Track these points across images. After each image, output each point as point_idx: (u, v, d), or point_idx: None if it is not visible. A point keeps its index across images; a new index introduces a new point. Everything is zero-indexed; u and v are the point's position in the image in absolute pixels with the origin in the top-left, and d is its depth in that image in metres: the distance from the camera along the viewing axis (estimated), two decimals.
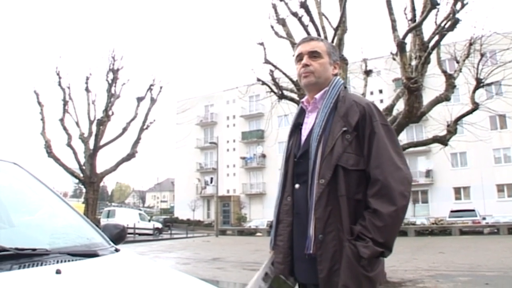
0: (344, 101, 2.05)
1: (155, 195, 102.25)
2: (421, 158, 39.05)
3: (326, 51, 2.18)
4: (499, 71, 10.36)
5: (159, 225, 37.58)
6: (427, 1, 7.38)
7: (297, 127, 2.19)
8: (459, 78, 9.64)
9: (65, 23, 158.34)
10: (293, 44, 9.09)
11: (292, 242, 2.03)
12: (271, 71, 10.28)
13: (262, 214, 43.92)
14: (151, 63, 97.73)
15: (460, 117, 10.10)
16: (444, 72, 9.43)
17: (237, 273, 10.63)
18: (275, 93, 10.26)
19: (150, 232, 34.07)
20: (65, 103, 18.45)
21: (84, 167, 17.94)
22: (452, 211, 31.15)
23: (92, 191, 17.74)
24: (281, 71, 10.07)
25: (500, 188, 36.32)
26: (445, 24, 7.59)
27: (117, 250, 2.06)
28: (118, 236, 2.29)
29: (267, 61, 10.20)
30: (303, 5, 8.44)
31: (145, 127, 19.33)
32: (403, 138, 22.15)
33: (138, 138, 19.10)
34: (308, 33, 8.56)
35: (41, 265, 1.54)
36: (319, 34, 8.54)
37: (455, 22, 7.32)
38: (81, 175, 18.05)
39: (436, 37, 7.83)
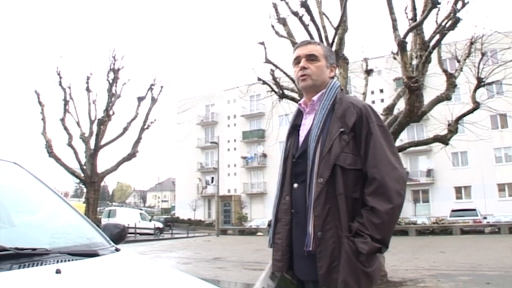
0: (341, 103, 2.11)
1: (156, 195, 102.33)
2: (422, 157, 39.07)
3: (323, 54, 2.24)
4: (500, 70, 10.34)
5: (160, 225, 37.57)
6: (428, 0, 7.37)
7: (295, 128, 2.25)
8: (460, 77, 9.63)
9: (66, 22, 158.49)
10: (294, 44, 9.08)
11: (290, 240, 2.09)
12: (272, 70, 10.27)
13: (263, 213, 43.91)
14: (152, 63, 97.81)
15: (461, 116, 10.09)
16: (445, 71, 9.41)
17: (238, 273, 10.63)
18: (275, 92, 10.25)
19: (151, 232, 34.07)
20: (66, 102, 18.44)
21: (85, 167, 17.94)
22: (453, 211, 31.11)
23: (93, 191, 17.74)
24: (281, 70, 10.07)
25: (501, 187, 36.32)
26: (446, 23, 7.58)
27: (117, 250, 2.06)
28: (119, 235, 2.29)
29: (267, 61, 10.19)
30: (304, 5, 8.42)
31: (145, 126, 19.32)
32: (404, 137, 22.08)
33: (139, 138, 19.09)
34: (308, 32, 8.56)
35: (41, 264, 1.54)
36: (319, 34, 8.53)
37: (456, 21, 7.31)
38: (82, 175, 18.05)
39: (437, 36, 7.82)
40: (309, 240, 1.96)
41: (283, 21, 9.52)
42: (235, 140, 51.82)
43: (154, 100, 19.67)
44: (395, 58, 9.40)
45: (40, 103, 18.44)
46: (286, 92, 10.14)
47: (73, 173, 18.35)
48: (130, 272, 1.85)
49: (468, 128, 11.18)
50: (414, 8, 7.56)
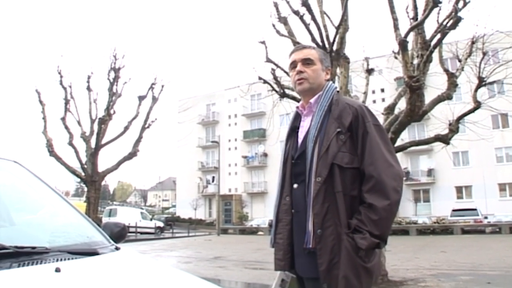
0: (338, 104, 2.17)
1: (157, 194, 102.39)
2: (423, 157, 39.06)
3: (319, 58, 2.31)
4: (501, 70, 10.32)
5: (161, 224, 37.58)
6: None
7: (293, 130, 2.32)
8: (461, 76, 9.60)
9: (67, 22, 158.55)
10: (295, 43, 9.07)
11: (291, 239, 2.14)
12: (273, 69, 10.26)
13: (263, 213, 43.95)
14: (153, 62, 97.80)
15: (462, 115, 10.07)
16: (446, 70, 9.39)
17: (238, 272, 10.64)
18: (276, 91, 10.25)
19: (152, 231, 34.08)
20: (67, 102, 18.44)
21: (85, 166, 17.94)
22: (454, 210, 31.12)
23: (93, 190, 17.74)
24: (282, 69, 10.05)
25: (502, 187, 36.31)
26: (447, 23, 7.56)
27: (117, 249, 2.06)
28: (119, 234, 2.29)
29: (268, 60, 10.18)
30: (305, 4, 8.41)
31: (146, 126, 19.31)
32: (405, 136, 22.08)
33: (140, 137, 19.08)
34: (309, 31, 8.55)
35: (41, 263, 1.54)
36: (320, 33, 8.52)
37: (457, 20, 7.30)
38: (83, 174, 18.05)
39: (438, 36, 7.80)
40: (309, 238, 2.02)
41: (284, 20, 9.50)
42: (236, 139, 51.83)
43: (155, 99, 19.66)
44: (396, 58, 9.39)
45: (41, 102, 18.44)
46: (287, 91, 10.13)
47: (74, 172, 18.35)
48: (130, 271, 1.85)
49: (469, 127, 11.15)
50: (415, 7, 7.55)
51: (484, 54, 10.13)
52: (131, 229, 28.06)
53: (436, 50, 8.61)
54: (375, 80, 15.41)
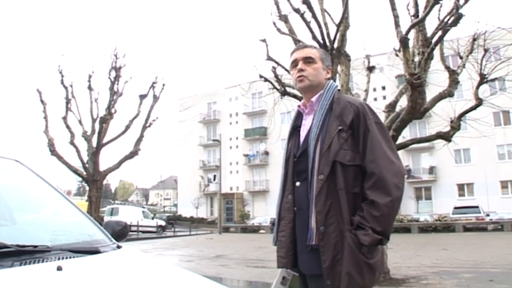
0: (339, 102, 2.19)
1: (159, 193, 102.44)
2: (425, 154, 39.04)
3: (319, 57, 2.33)
4: (503, 67, 10.27)
5: (163, 223, 37.61)
6: None
7: (295, 129, 2.34)
8: (463, 73, 9.57)
9: (68, 21, 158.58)
10: (296, 41, 9.06)
11: (294, 237, 2.15)
12: (274, 67, 10.26)
13: (265, 211, 43.97)
14: (154, 61, 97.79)
15: (464, 113, 10.04)
16: (448, 68, 9.37)
17: (240, 270, 10.65)
18: (277, 90, 10.24)
19: (154, 229, 34.11)
20: (68, 101, 18.45)
21: (87, 165, 17.95)
22: (455, 208, 31.11)
23: (95, 189, 17.75)
24: (283, 67, 10.04)
25: (504, 184, 36.25)
26: (448, 20, 7.55)
27: (118, 247, 2.06)
28: (120, 233, 2.29)
29: (269, 58, 10.17)
30: (305, 1, 8.41)
31: (147, 124, 19.32)
32: (406, 134, 22.09)
33: (141, 136, 19.09)
34: (310, 29, 8.54)
35: (42, 262, 1.54)
36: (321, 31, 8.51)
37: (459, 17, 7.28)
38: (84, 173, 18.07)
39: (439, 33, 7.79)
40: (312, 235, 2.04)
41: (284, 18, 9.49)
42: (237, 138, 51.83)
43: (156, 98, 19.66)
44: (397, 55, 9.37)
45: (42, 101, 18.46)
46: (288, 89, 10.13)
47: (75, 171, 18.37)
48: (131, 269, 1.85)
49: (470, 125, 11.15)
50: (416, 4, 7.54)
51: (486, 51, 10.10)
52: (133, 228, 28.09)
53: (437, 47, 8.59)
54: (376, 78, 15.41)
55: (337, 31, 8.42)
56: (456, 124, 9.70)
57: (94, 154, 17.95)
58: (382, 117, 9.62)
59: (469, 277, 8.21)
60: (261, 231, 34.02)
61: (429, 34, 7.92)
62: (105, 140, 18.36)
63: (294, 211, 2.16)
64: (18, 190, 2.50)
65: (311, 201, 2.06)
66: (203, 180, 52.85)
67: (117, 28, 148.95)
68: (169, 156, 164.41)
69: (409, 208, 37.86)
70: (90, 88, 18.95)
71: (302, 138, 2.24)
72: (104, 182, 20.13)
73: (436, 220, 29.56)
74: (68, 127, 18.25)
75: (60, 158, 17.71)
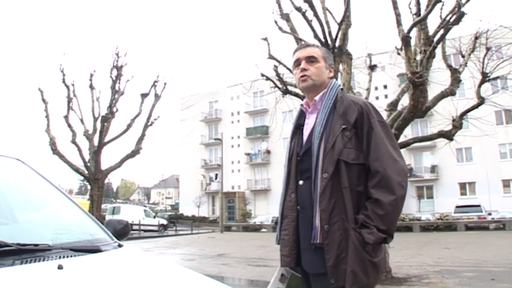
0: (343, 101, 2.20)
1: (160, 192, 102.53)
2: (426, 153, 39.00)
3: (322, 56, 2.33)
4: (505, 65, 10.25)
5: (164, 222, 37.65)
6: None
7: (298, 128, 2.34)
8: (465, 72, 9.57)
9: (69, 20, 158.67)
10: (297, 39, 9.06)
11: (297, 236, 2.15)
12: (275, 66, 10.25)
13: (267, 210, 43.96)
14: (155, 60, 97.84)
15: (466, 111, 10.03)
16: (450, 66, 9.36)
17: (242, 269, 10.65)
18: (279, 88, 10.23)
19: (155, 228, 34.16)
20: (70, 100, 18.48)
21: (88, 164, 17.98)
22: (457, 207, 31.09)
23: (97, 188, 17.78)
24: (285, 66, 10.03)
25: (505, 183, 36.18)
26: (450, 18, 7.52)
27: (120, 246, 2.06)
28: (122, 231, 2.29)
29: (271, 57, 10.16)
30: (307, 0, 8.40)
31: (149, 123, 19.34)
32: (408, 133, 22.07)
33: (143, 135, 19.12)
34: (312, 28, 8.52)
35: (43, 260, 1.53)
36: (323, 29, 8.49)
37: (461, 15, 7.26)
38: (86, 172, 18.09)
39: (441, 31, 7.76)
40: (316, 233, 2.04)
41: (286, 17, 9.48)
42: (238, 137, 51.82)
43: (157, 97, 19.68)
44: (399, 54, 9.35)
45: (43, 100, 18.48)
46: (289, 88, 10.12)
47: (77, 170, 18.40)
48: (133, 268, 1.85)
49: (472, 123, 11.12)
50: (418, 3, 7.52)
51: (488, 49, 10.08)
52: (135, 227, 28.13)
53: (439, 46, 8.58)
54: (378, 77, 15.38)
55: (339, 29, 8.40)
56: (458, 123, 9.69)
57: (96, 153, 17.98)
58: (384, 115, 9.61)
59: (471, 276, 8.20)
60: (263, 230, 34.03)
61: (431, 32, 7.90)
62: (106, 139, 18.39)
63: (297, 210, 2.17)
64: (19, 189, 2.50)
65: (315, 199, 2.06)
66: (204, 179, 52.88)
67: (118, 26, 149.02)
68: (170, 155, 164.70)
69: (411, 207, 37.81)
70: (91, 87, 18.98)
71: (305, 137, 2.24)
72: (106, 181, 20.21)
73: (438, 219, 29.51)
74: (69, 126, 18.28)
75: (61, 157, 17.73)
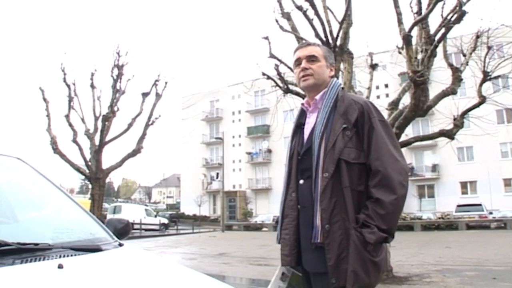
0: (343, 100, 2.19)
1: (161, 191, 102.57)
2: (428, 152, 38.98)
3: (323, 55, 2.33)
4: (506, 64, 10.24)
5: (165, 221, 37.67)
6: None
7: (299, 127, 2.34)
8: (466, 71, 9.55)
9: (70, 19, 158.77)
10: (298, 38, 9.04)
11: (297, 235, 2.16)
12: (276, 65, 10.24)
13: (268, 209, 43.97)
14: (156, 59, 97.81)
15: (467, 110, 10.02)
16: (451, 65, 9.35)
17: (243, 268, 10.65)
18: (280, 87, 10.23)
19: (156, 227, 34.18)
20: (71, 99, 18.50)
21: (90, 163, 18.01)
22: (458, 206, 31.07)
23: (98, 187, 17.80)
24: (286, 65, 10.02)
25: (507, 182, 36.15)
26: (451, 17, 7.51)
27: (120, 245, 2.05)
28: (122, 231, 2.29)
29: (272, 56, 10.16)
30: None
31: (150, 122, 19.36)
32: (409, 132, 22.05)
33: (144, 134, 19.14)
34: (313, 27, 8.51)
35: (43, 259, 1.53)
36: (324, 28, 8.48)
37: (462, 14, 7.25)
38: (87, 171, 18.12)
39: (443, 30, 7.75)
40: (317, 233, 2.04)
41: (287, 16, 9.46)
42: (240, 136, 51.82)
43: (158, 96, 19.70)
44: (400, 52, 9.35)
45: (45, 99, 18.51)
46: (290, 87, 10.11)
47: (78, 169, 18.43)
48: (133, 267, 1.84)
49: (474, 122, 11.10)
50: (419, 2, 7.51)
51: (489, 48, 10.06)
52: (136, 226, 28.14)
53: (441, 45, 8.56)
54: (379, 76, 15.37)
55: (340, 28, 8.39)
56: (459, 122, 9.68)
57: (97, 152, 18.00)
58: (385, 114, 9.62)
59: (472, 275, 8.19)
60: (264, 229, 34.02)
61: (432, 31, 7.89)
62: (107, 138, 18.42)
63: (298, 209, 2.17)
64: (20, 188, 2.49)
65: (316, 199, 2.06)
66: (205, 178, 52.89)
67: (119, 26, 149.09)
68: (171, 154, 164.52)
69: (412, 206, 37.81)
70: (92, 86, 19.00)
71: (306, 136, 2.24)
72: (107, 180, 20.24)
73: (439, 218, 29.51)
74: (70, 125, 18.30)
75: (62, 156, 17.76)
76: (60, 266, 1.47)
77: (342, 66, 8.87)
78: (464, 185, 38.19)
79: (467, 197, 36.23)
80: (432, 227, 27.64)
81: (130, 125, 19.06)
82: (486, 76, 10.02)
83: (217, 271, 9.65)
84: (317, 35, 8.48)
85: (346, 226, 1.99)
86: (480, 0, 8.54)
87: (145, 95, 19.49)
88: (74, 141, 18.18)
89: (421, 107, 8.00)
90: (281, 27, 9.56)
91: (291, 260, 2.15)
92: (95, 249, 1.83)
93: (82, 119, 18.69)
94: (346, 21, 8.37)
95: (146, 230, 31.04)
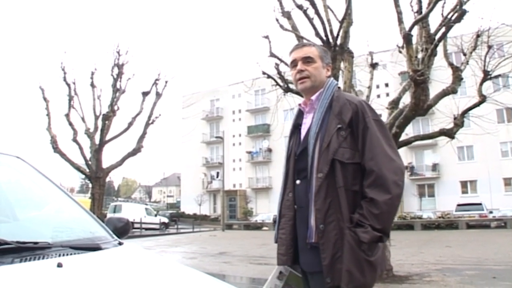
0: (338, 100, 2.20)
1: (162, 190, 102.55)
2: (428, 151, 38.97)
3: (319, 55, 2.32)
4: (506, 63, 10.23)
5: (166, 220, 37.69)
6: None
7: (296, 127, 2.35)
8: (466, 70, 9.55)
9: (70, 18, 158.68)
10: (298, 37, 9.04)
11: (294, 234, 2.18)
12: (277, 64, 10.23)
13: (268, 208, 43.97)
14: (156, 58, 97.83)
15: (467, 110, 10.02)
16: (451, 64, 9.34)
17: (243, 267, 10.65)
18: (280, 86, 10.22)
19: (157, 226, 34.20)
20: (71, 98, 18.52)
21: (90, 162, 18.02)
22: (458, 205, 31.07)
23: (98, 186, 17.81)
24: (286, 64, 10.00)
25: (507, 181, 36.15)
26: (452, 16, 7.51)
27: (120, 244, 2.05)
28: (122, 229, 2.29)
29: (272, 55, 10.15)
30: None
31: (150, 121, 19.37)
32: (410, 131, 22.02)
33: (144, 133, 19.14)
34: (313, 26, 8.50)
35: (43, 258, 1.53)
36: (324, 27, 8.47)
37: (462, 13, 7.24)
38: (87, 170, 18.13)
39: (443, 29, 7.75)
40: (312, 233, 2.06)
41: (287, 15, 9.45)
42: (240, 135, 51.82)
43: (158, 95, 19.71)
44: (400, 52, 9.35)
45: (45, 99, 18.53)
46: (291, 86, 10.09)
47: (78, 168, 18.44)
48: (133, 266, 1.84)
49: (474, 121, 11.09)
50: (419, 1, 7.50)
51: (489, 47, 10.06)
52: (136, 225, 28.15)
53: (441, 44, 8.56)
54: (379, 75, 15.38)
55: (340, 27, 8.38)
56: (459, 121, 9.67)
57: (97, 151, 18.01)
58: (385, 114, 9.63)
59: (472, 274, 8.19)
60: (264, 228, 34.05)
61: (432, 30, 7.89)
62: (108, 137, 18.43)
63: (295, 209, 2.18)
64: (20, 187, 2.49)
65: (311, 199, 2.07)
66: (206, 177, 52.88)
67: (119, 24, 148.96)
68: (172, 153, 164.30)
69: (412, 205, 37.84)
70: (92, 85, 19.02)
71: (302, 137, 2.25)
72: (107, 179, 20.24)
73: (439, 217, 29.51)
74: (71, 124, 18.32)
75: (63, 155, 17.77)
76: (59, 265, 1.47)
77: (342, 65, 8.86)
78: (464, 184, 38.19)
79: (467, 196, 36.22)
80: (432, 226, 27.65)
81: (130, 124, 19.07)
82: (487, 75, 10.02)
83: (218, 270, 9.66)
84: (317, 34, 8.47)
85: (340, 226, 2.00)
86: None
87: (145, 94, 19.49)
88: (74, 140, 18.20)
89: (421, 106, 8.00)
90: (281, 26, 9.56)
91: (287, 259, 2.17)
92: (95, 248, 1.83)
93: (82, 118, 18.71)
94: (347, 20, 8.36)
95: (146, 229, 31.07)
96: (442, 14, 7.76)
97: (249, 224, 38.40)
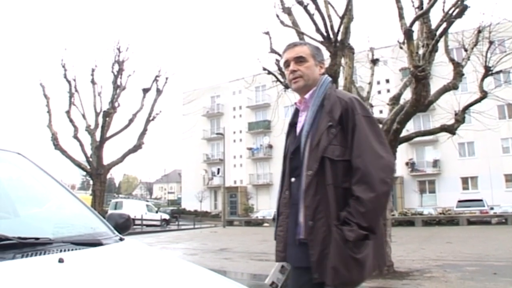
0: (330, 98, 2.21)
1: (162, 187, 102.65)
2: (429, 148, 38.97)
3: (311, 54, 2.33)
4: (508, 59, 10.21)
5: (167, 217, 37.71)
6: None
7: (292, 126, 2.37)
8: (467, 66, 9.52)
9: (71, 15, 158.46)
10: (299, 33, 9.02)
11: None
12: (277, 60, 10.21)
13: (269, 204, 43.99)
14: (157, 54, 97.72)
15: (468, 106, 10.00)
16: (452, 60, 9.32)
17: (244, 263, 10.67)
18: (281, 82, 10.21)
19: (158, 223, 34.23)
20: (71, 95, 18.48)
21: (91, 159, 18.00)
22: (459, 201, 31.07)
23: (99, 183, 17.80)
24: None
25: (508, 178, 36.17)
26: (453, 11, 7.49)
27: (121, 239, 2.05)
28: (123, 225, 2.29)
29: (273, 51, 10.14)
30: None
31: (151, 118, 19.34)
32: (410, 127, 22.01)
33: (145, 130, 19.12)
34: (314, 21, 8.48)
35: (44, 254, 1.53)
36: (325, 23, 8.45)
37: (463, 9, 7.22)
38: (88, 167, 18.12)
39: (444, 25, 7.73)
40: (300, 229, 2.09)
41: (288, 11, 9.43)
42: (240, 131, 51.85)
43: (159, 92, 19.67)
44: (401, 47, 9.32)
45: (45, 96, 18.49)
46: None
47: (79, 165, 18.42)
48: (134, 261, 1.85)
49: (475, 118, 11.10)
50: None
51: (491, 43, 10.04)
52: (137, 222, 28.17)
53: (442, 40, 8.53)
54: (380, 71, 15.33)
55: (341, 23, 8.36)
56: (460, 117, 9.66)
57: (98, 148, 18.00)
58: (386, 110, 9.62)
59: (473, 270, 8.20)
60: (265, 224, 34.05)
61: (433, 26, 7.86)
62: (108, 134, 18.41)
63: (292, 207, 2.20)
64: (21, 183, 2.50)
65: (300, 196, 2.10)
66: (207, 174, 52.95)
67: (120, 21, 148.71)
68: (172, 150, 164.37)
69: (413, 201, 37.89)
70: (93, 82, 18.98)
71: (297, 135, 2.28)
72: (108, 176, 20.22)
73: (440, 214, 29.51)
74: (71, 121, 18.30)
75: (63, 152, 17.75)
76: (60, 260, 1.47)
77: (343, 61, 8.84)
78: (465, 180, 38.22)
79: (468, 192, 36.24)
80: (433, 222, 27.63)
81: (131, 121, 19.04)
82: (488, 71, 10.00)
83: (218, 266, 9.67)
84: (317, 30, 8.45)
85: (329, 223, 2.01)
86: None
87: (145, 90, 19.46)
88: (75, 137, 18.18)
89: (422, 102, 7.98)
90: (281, 22, 9.53)
91: (285, 256, 2.19)
92: (96, 244, 1.83)
93: (83, 115, 18.67)
94: (347, 16, 8.34)
95: (147, 226, 31.09)
96: (443, 9, 7.74)
97: (250, 220, 38.43)
